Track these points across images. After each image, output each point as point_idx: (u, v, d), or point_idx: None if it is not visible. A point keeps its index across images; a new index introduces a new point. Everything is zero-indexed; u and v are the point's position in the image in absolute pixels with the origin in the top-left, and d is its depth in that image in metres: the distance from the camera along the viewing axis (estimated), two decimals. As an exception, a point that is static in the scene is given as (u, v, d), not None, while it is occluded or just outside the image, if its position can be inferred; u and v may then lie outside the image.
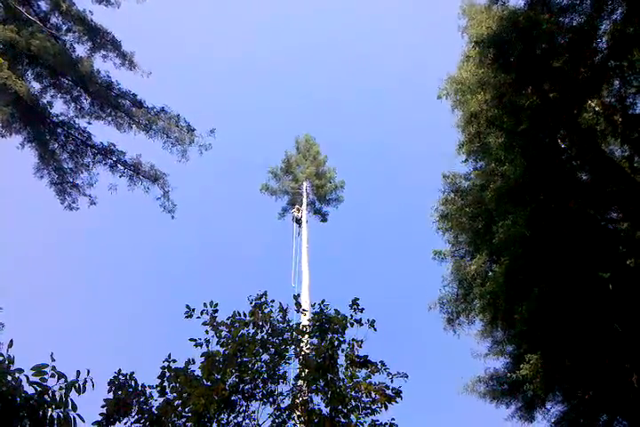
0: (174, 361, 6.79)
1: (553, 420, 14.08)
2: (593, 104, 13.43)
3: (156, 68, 23.55)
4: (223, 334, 7.26)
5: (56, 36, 17.02)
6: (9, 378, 3.40)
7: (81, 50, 17.69)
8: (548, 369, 12.83)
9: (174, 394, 6.39)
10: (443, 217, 16.75)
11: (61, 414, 3.63)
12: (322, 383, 6.82)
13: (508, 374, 14.72)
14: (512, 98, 14.01)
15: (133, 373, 6.45)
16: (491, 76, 14.60)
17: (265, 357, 7.11)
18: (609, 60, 12.48)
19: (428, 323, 46.28)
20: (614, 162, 13.22)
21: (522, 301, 12.49)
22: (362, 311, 7.62)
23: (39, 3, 16.85)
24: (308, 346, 7.31)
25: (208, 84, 53.41)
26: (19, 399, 3.39)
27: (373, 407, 6.70)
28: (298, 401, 6.74)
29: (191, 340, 7.14)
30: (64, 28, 17.44)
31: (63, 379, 3.78)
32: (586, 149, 13.28)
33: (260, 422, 6.67)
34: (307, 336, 7.47)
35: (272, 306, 7.67)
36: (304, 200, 26.14)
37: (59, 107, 17.12)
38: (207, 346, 7.12)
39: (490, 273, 14.63)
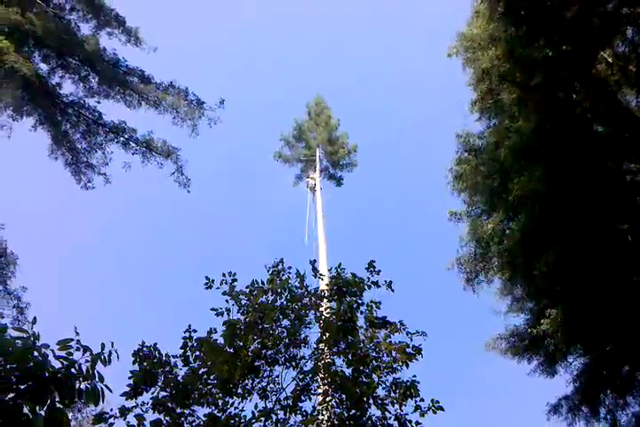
0: (195, 331, 6.98)
1: (575, 373, 14.24)
2: (606, 55, 13.06)
3: (161, 42, 23.34)
4: (243, 302, 7.41)
5: (60, 16, 16.92)
6: (35, 354, 3.49)
7: (86, 28, 17.67)
8: (569, 323, 12.88)
9: (198, 363, 6.59)
10: (457, 177, 16.57)
11: (89, 386, 3.74)
12: (343, 346, 6.97)
13: (529, 330, 14.78)
14: (524, 52, 13.66)
15: (156, 344, 6.66)
16: (501, 31, 14.20)
17: (285, 322, 7.26)
18: (621, 8, 12.06)
19: (446, 283, 46.54)
20: (630, 112, 12.93)
21: (540, 257, 12.46)
22: (378, 273, 7.68)
23: (40, -17, 16.68)
24: (327, 310, 7.44)
25: (215, 54, 52.82)
26: (47, 374, 3.48)
27: (394, 366, 6.85)
28: (320, 364, 6.91)
29: (212, 309, 7.31)
30: (67, 7, 17.36)
31: (88, 352, 3.86)
32: (601, 100, 12.98)
33: (285, 386, 6.87)
34: (325, 300, 7.59)
35: (289, 273, 7.79)
36: (317, 167, 26.04)
37: (68, 87, 17.15)
38: (228, 315, 7.29)
39: (507, 231, 14.56)
